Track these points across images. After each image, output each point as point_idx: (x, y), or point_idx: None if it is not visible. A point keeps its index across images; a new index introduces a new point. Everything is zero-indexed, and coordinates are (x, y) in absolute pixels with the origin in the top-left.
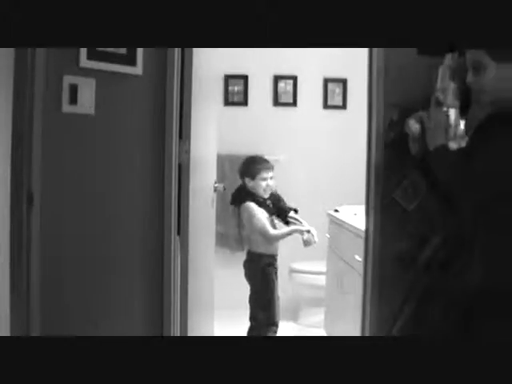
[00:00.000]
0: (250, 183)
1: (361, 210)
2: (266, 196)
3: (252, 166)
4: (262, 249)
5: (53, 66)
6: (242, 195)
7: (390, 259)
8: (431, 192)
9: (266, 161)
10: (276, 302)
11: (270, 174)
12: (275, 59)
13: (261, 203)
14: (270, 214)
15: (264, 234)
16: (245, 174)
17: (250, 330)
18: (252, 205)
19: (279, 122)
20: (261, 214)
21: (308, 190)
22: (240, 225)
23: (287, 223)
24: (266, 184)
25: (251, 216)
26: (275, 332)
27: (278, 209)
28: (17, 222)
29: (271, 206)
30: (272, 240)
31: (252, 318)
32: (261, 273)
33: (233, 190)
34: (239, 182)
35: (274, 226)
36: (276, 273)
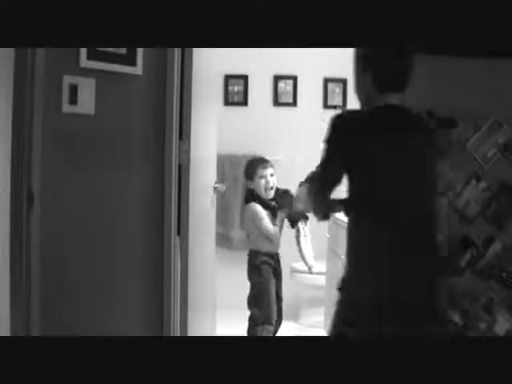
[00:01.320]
0: (251, 185)
1: None
2: (270, 195)
3: (249, 167)
4: (258, 246)
5: (53, 66)
6: (247, 196)
7: None
8: None
9: (263, 159)
10: (271, 301)
11: (269, 171)
12: (275, 59)
13: (264, 204)
14: (274, 215)
15: (267, 233)
16: (245, 177)
17: (248, 329)
18: (254, 205)
19: (279, 122)
20: (263, 214)
21: None
22: (243, 224)
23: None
24: (266, 181)
25: (253, 216)
26: (271, 332)
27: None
28: (17, 221)
29: (276, 206)
30: (274, 236)
31: (249, 317)
32: (256, 270)
33: (233, 190)
34: (239, 182)
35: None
36: (275, 272)
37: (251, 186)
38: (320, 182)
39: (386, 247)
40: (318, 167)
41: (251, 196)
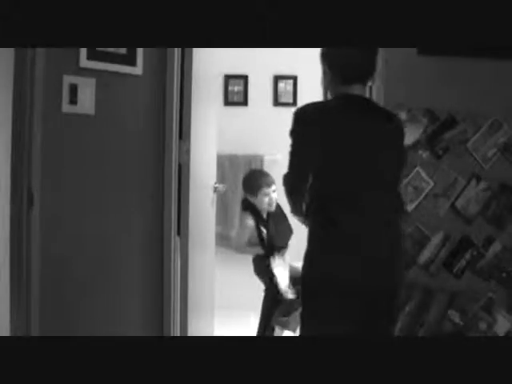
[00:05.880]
0: (252, 199)
1: None
2: (272, 209)
3: (253, 182)
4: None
5: (53, 66)
6: (243, 205)
7: None
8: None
9: (267, 175)
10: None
11: (272, 187)
12: (275, 59)
13: (261, 221)
14: (265, 225)
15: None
16: (246, 190)
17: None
18: (247, 216)
19: (279, 122)
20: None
21: None
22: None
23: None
24: (269, 198)
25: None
26: (284, 318)
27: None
28: (17, 222)
29: (273, 226)
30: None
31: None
32: (265, 268)
33: (233, 190)
34: (239, 182)
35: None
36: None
37: (252, 201)
38: (292, 177)
39: (351, 230)
40: (288, 164)
41: (247, 206)
